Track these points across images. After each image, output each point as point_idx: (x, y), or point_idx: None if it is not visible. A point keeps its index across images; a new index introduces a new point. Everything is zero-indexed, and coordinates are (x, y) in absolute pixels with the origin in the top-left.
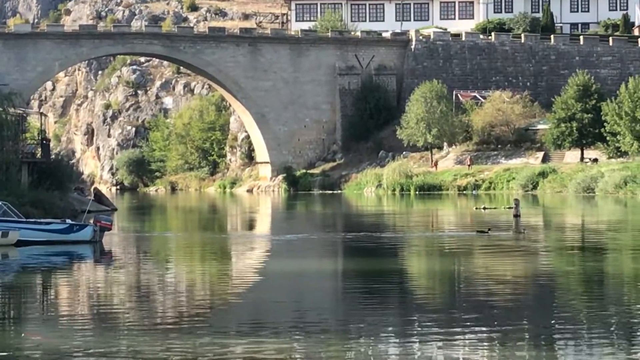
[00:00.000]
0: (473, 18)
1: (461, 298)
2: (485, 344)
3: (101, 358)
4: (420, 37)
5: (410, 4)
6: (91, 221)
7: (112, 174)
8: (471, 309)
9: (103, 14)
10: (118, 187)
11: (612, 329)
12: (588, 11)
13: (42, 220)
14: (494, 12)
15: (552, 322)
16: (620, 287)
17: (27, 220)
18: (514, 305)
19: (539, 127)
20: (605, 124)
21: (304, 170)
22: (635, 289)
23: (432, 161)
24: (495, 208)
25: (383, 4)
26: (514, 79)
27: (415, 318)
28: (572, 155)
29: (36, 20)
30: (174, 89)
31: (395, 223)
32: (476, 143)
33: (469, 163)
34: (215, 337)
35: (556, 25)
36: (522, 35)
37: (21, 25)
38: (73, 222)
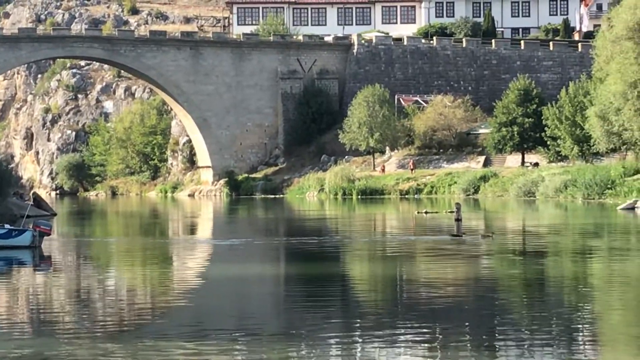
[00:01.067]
0: (415, 22)
1: (403, 301)
2: (427, 345)
3: None
4: (362, 41)
5: (352, 8)
6: (30, 226)
7: (52, 179)
8: (413, 312)
9: (42, 17)
10: (58, 191)
11: (552, 331)
12: (529, 16)
13: None
14: (436, 17)
15: (494, 324)
16: (560, 290)
17: None
18: (456, 308)
19: (481, 131)
20: (546, 128)
21: (246, 175)
22: (575, 292)
23: (374, 165)
24: (437, 212)
25: (325, 8)
26: (455, 83)
27: (357, 321)
28: (513, 160)
29: None
30: (114, 92)
31: (338, 227)
32: (418, 147)
33: (411, 167)
34: (156, 341)
35: (497, 29)
36: (464, 39)
37: None
38: (12, 227)
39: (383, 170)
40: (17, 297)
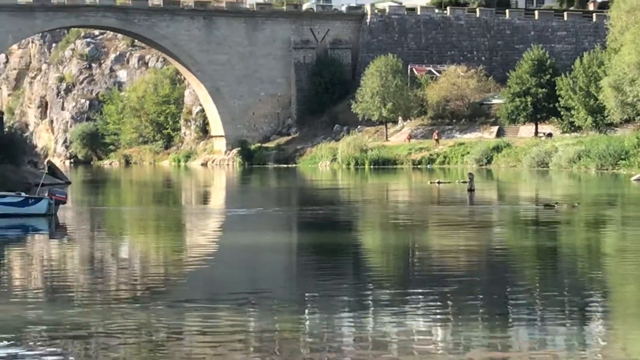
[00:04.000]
0: None
1: (415, 271)
2: (439, 317)
3: (55, 331)
4: (376, 11)
5: None
6: (46, 194)
7: (66, 147)
8: (425, 282)
9: None
10: (72, 160)
11: (565, 303)
12: None
13: None
14: None
15: (506, 295)
16: (573, 261)
17: None
18: (468, 279)
19: (494, 101)
20: (559, 98)
21: (259, 144)
22: (588, 262)
23: (387, 136)
24: (449, 182)
25: None
26: (469, 53)
27: (369, 291)
28: (526, 130)
29: None
30: (128, 62)
31: (350, 197)
32: (431, 117)
33: (436, 137)
34: (169, 309)
35: None
36: (477, 9)
37: None
38: (28, 196)
39: (409, 139)
40: (33, 265)
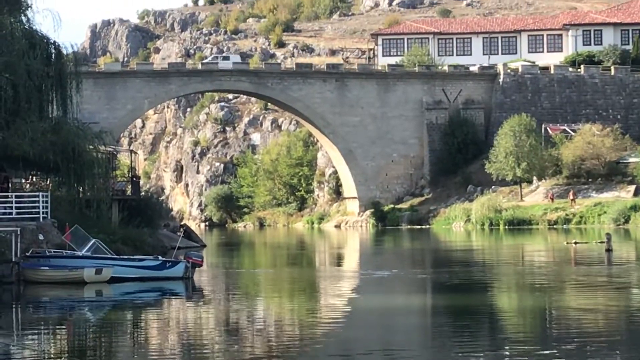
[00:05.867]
0: (562, 51)
1: (553, 332)
2: None
3: None
4: (508, 71)
5: (497, 37)
6: (182, 257)
7: (201, 210)
8: (563, 346)
9: (191, 51)
10: (207, 223)
11: None
12: None
13: (135, 257)
14: (583, 45)
15: None
16: None
17: (121, 257)
18: (607, 340)
19: (631, 160)
20: None
21: (392, 205)
22: None
23: (522, 196)
24: (586, 243)
25: (470, 38)
26: (604, 111)
27: (506, 352)
28: None
29: (126, 59)
30: (261, 125)
31: (485, 258)
32: (566, 177)
33: (572, 197)
34: None
35: None
36: (612, 67)
37: (111, 64)
38: (165, 259)
39: (552, 198)
40: (170, 328)
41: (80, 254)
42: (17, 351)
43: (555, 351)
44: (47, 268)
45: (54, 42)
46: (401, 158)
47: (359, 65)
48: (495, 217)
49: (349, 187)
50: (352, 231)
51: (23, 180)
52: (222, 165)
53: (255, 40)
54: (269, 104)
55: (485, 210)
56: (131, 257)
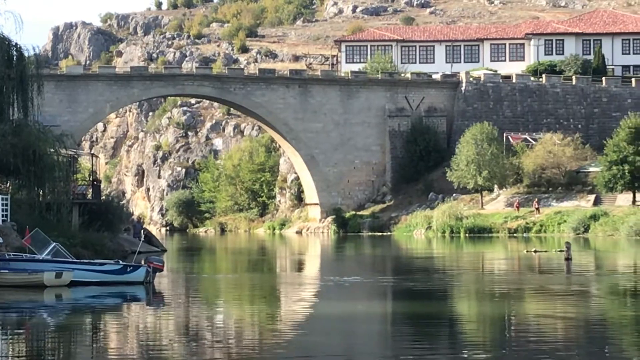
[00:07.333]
0: (523, 60)
1: (512, 340)
2: None
3: None
4: (471, 79)
5: (460, 45)
6: (143, 262)
7: (162, 215)
8: (522, 351)
9: (154, 55)
10: (167, 228)
11: None
12: None
13: (96, 261)
14: (545, 54)
15: None
16: None
17: (81, 261)
18: (565, 348)
19: (591, 169)
20: None
21: (354, 212)
22: None
23: (482, 204)
24: (546, 251)
25: (433, 46)
26: (565, 121)
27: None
28: (624, 199)
29: (88, 62)
30: (224, 130)
31: (445, 265)
32: (527, 185)
33: (536, 206)
34: None
35: (607, 67)
36: (574, 77)
37: (73, 67)
38: (126, 263)
39: (518, 207)
40: (130, 333)
41: (40, 258)
42: None
43: (514, 355)
44: (7, 271)
45: (16, 44)
46: (363, 165)
47: (322, 71)
48: (456, 225)
49: (311, 194)
50: (313, 237)
51: None
52: (183, 170)
53: (218, 45)
54: (231, 109)
55: (446, 217)
56: (92, 261)
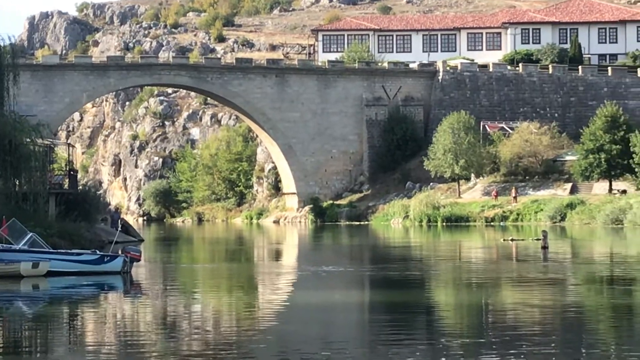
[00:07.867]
0: (500, 49)
1: (489, 328)
2: None
3: None
4: (448, 68)
5: (437, 35)
6: (120, 252)
7: (139, 205)
8: (498, 338)
9: (130, 45)
10: (145, 218)
11: None
12: (616, 42)
13: (73, 251)
14: (522, 43)
15: (581, 352)
16: None
17: (58, 251)
18: (542, 337)
19: (567, 158)
20: (633, 155)
21: (331, 201)
22: None
23: (459, 192)
24: (523, 240)
25: (410, 35)
26: (541, 110)
27: (442, 348)
28: (600, 187)
29: (64, 52)
30: (201, 119)
31: (422, 254)
32: (504, 174)
33: (514, 195)
34: None
35: (584, 56)
36: (550, 66)
37: (49, 56)
38: (104, 253)
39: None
40: (107, 323)
41: (17, 248)
42: None
43: (491, 342)
44: None
45: None
46: (340, 154)
47: (299, 60)
48: (433, 214)
49: (288, 183)
50: (290, 227)
51: None
52: (160, 160)
53: (195, 35)
54: (208, 98)
55: (424, 206)
56: (69, 251)
